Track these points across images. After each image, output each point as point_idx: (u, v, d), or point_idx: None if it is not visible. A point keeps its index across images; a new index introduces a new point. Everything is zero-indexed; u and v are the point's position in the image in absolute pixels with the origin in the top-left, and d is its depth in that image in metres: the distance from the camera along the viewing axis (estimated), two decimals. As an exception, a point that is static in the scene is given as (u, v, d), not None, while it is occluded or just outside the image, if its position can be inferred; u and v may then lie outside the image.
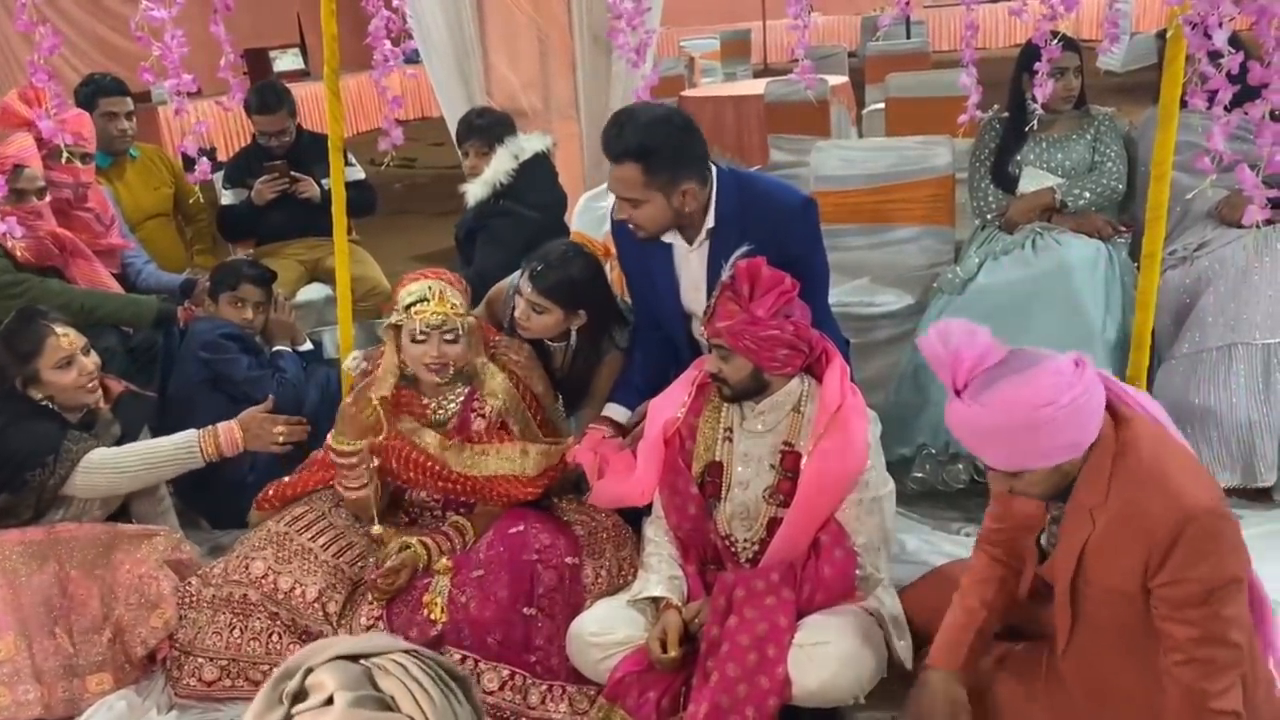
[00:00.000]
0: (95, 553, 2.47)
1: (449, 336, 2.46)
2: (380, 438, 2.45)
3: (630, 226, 2.44)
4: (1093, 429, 1.74)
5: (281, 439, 2.70)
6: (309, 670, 1.07)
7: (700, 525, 2.31)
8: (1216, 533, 1.68)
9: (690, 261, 2.53)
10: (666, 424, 2.36)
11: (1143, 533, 1.70)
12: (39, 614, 2.39)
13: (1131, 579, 1.74)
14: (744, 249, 2.23)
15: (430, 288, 2.47)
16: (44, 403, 2.63)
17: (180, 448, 2.65)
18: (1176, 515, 1.67)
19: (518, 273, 2.77)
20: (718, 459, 2.31)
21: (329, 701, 1.04)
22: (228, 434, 2.67)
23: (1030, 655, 2.00)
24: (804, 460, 2.22)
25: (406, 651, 1.12)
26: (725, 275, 2.21)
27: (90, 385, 2.65)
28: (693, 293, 2.55)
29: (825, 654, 2.04)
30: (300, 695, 1.06)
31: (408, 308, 2.46)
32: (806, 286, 2.50)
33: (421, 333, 2.46)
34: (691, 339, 2.64)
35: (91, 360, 2.67)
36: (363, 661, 1.08)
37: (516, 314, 2.71)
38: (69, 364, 2.60)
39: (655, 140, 2.32)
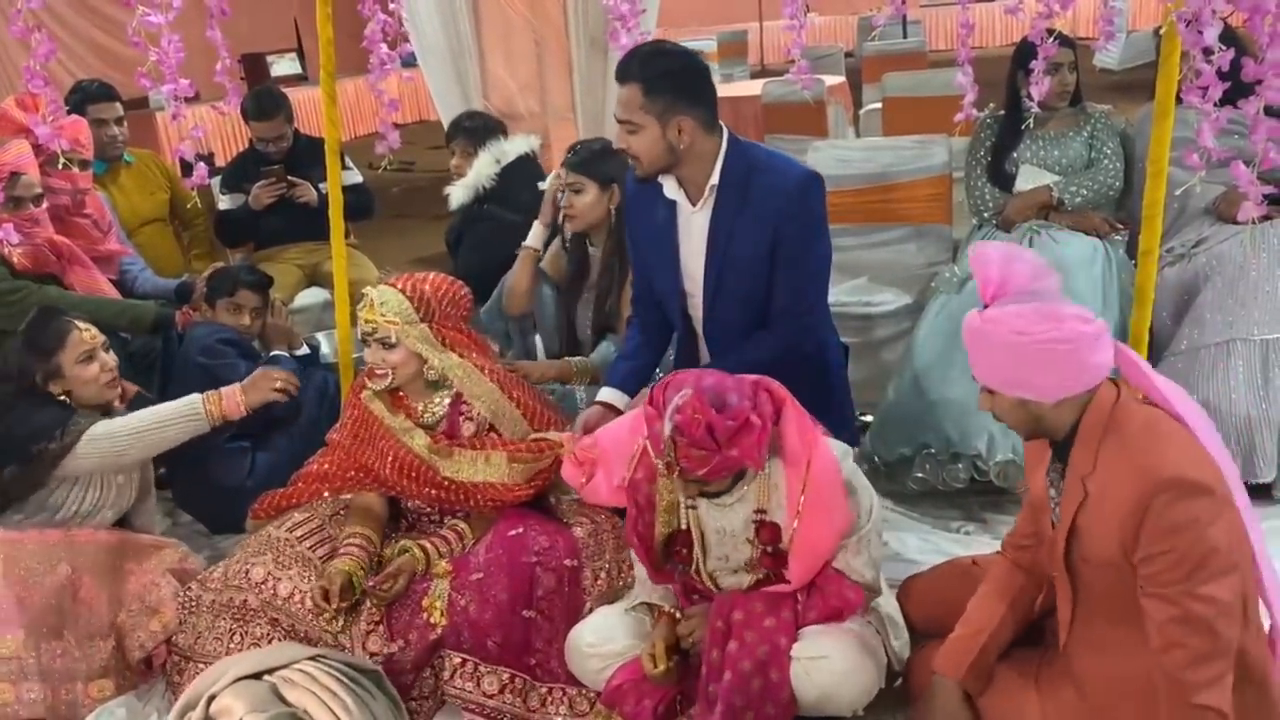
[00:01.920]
0: (107, 559, 2.48)
1: (385, 344, 2.49)
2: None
3: (630, 160, 2.46)
4: (1077, 385, 1.79)
5: (279, 384, 2.75)
6: (211, 698, 1.05)
7: (670, 582, 2.25)
8: (1188, 504, 1.66)
9: (692, 225, 2.52)
10: (619, 482, 2.27)
11: (1120, 500, 1.71)
12: (49, 615, 2.39)
13: (1117, 550, 1.74)
14: (678, 398, 1.95)
15: (365, 295, 2.52)
16: (62, 397, 2.63)
17: (185, 410, 2.65)
18: (1146, 484, 1.68)
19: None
20: (683, 527, 2.18)
21: None
22: (230, 396, 2.69)
23: (1023, 657, 1.99)
24: (786, 534, 2.08)
25: (311, 658, 1.09)
26: (668, 429, 1.94)
27: (111, 381, 2.67)
28: (692, 260, 2.54)
29: (823, 668, 2.02)
30: None
31: (360, 309, 2.54)
32: (806, 275, 2.49)
33: (363, 338, 2.52)
34: (686, 316, 2.64)
35: (111, 358, 2.69)
36: (266, 677, 1.06)
37: (562, 205, 3.00)
38: (90, 358, 2.62)
39: (660, 66, 2.38)
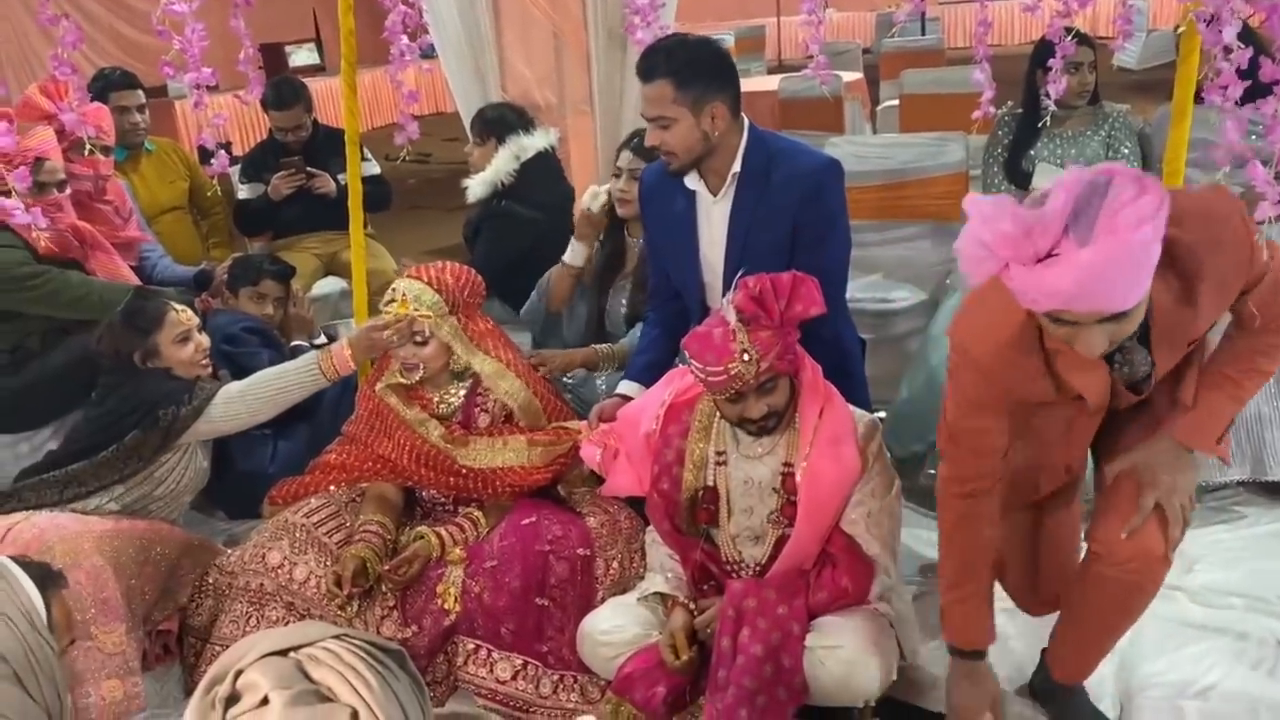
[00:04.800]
0: (173, 554, 2.49)
1: (417, 338, 2.51)
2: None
3: (663, 156, 2.44)
4: None
5: (387, 336, 2.54)
6: (239, 672, 1.06)
7: (688, 556, 2.28)
8: (1243, 221, 1.74)
9: (713, 215, 2.52)
10: (646, 436, 2.31)
11: (1210, 276, 1.70)
12: (135, 606, 2.38)
13: (1216, 315, 1.78)
14: (726, 299, 2.10)
15: (397, 288, 2.53)
16: None
17: (303, 370, 2.69)
18: (1230, 210, 1.71)
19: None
20: (710, 484, 2.24)
21: (264, 702, 1.03)
22: (339, 354, 2.68)
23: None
24: (799, 472, 2.15)
25: (335, 637, 1.10)
26: (732, 317, 2.05)
27: (205, 361, 2.72)
28: (712, 250, 2.54)
29: (838, 657, 2.04)
30: (233, 699, 1.05)
31: (385, 305, 2.53)
32: (825, 262, 2.46)
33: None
34: (705, 307, 2.63)
35: (204, 338, 2.74)
36: (292, 654, 1.07)
37: (618, 189, 2.93)
38: (187, 339, 2.68)
39: (685, 56, 2.36)
